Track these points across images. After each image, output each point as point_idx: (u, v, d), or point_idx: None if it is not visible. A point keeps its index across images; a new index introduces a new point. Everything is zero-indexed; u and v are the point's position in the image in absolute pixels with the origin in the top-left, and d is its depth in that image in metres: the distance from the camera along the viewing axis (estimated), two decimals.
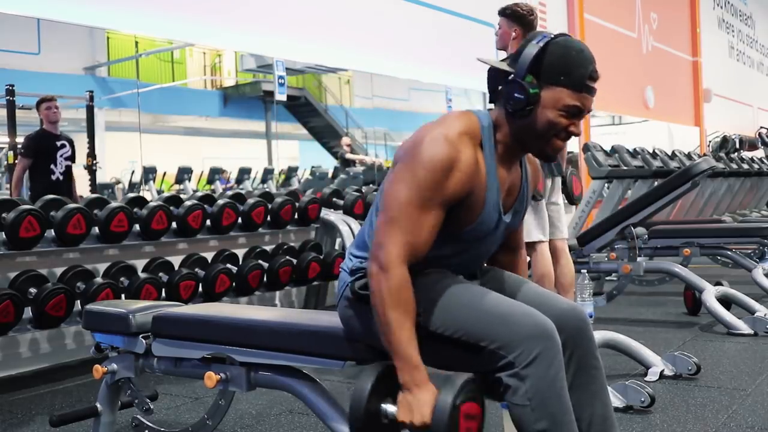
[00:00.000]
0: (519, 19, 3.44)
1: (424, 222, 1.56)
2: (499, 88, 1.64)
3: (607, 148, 6.53)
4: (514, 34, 3.45)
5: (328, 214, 4.81)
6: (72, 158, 5.40)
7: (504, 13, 3.50)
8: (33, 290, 3.35)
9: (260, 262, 4.23)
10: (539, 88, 1.59)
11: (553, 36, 1.62)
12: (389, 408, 1.52)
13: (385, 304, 1.51)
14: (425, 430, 1.47)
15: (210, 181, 10.93)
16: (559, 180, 3.75)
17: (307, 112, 14.59)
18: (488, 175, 1.62)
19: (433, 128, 1.60)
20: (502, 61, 1.71)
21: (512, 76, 1.61)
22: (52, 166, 5.25)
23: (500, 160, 1.66)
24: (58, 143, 5.31)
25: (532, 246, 3.63)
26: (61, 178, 5.30)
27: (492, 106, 1.72)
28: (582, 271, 3.55)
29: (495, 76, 1.67)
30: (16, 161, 5.40)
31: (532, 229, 3.60)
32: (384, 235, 1.55)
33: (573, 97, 1.59)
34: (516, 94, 1.59)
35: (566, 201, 3.88)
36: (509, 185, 1.70)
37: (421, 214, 1.55)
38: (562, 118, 1.60)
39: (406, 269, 1.54)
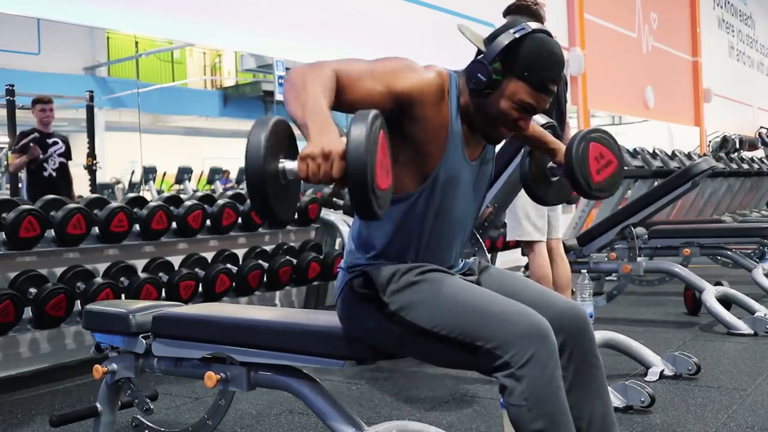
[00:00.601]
0: (524, 11, 3.43)
1: (364, 76, 1.55)
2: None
3: None
4: None
5: (328, 214, 4.81)
6: (66, 155, 5.40)
7: (509, 11, 3.49)
8: (33, 290, 3.35)
9: (260, 262, 4.23)
10: (502, 75, 1.61)
11: (531, 30, 1.63)
12: (287, 164, 1.35)
13: (304, 72, 1.45)
14: (335, 162, 1.30)
15: (210, 181, 10.92)
16: None
17: None
18: (452, 116, 1.65)
19: None
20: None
21: (481, 56, 1.63)
22: (43, 164, 5.27)
23: (463, 115, 1.67)
24: (50, 141, 5.32)
25: (529, 245, 3.64)
26: (54, 174, 5.31)
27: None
28: (582, 271, 3.54)
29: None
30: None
31: (530, 229, 3.61)
32: (322, 62, 1.53)
33: (530, 95, 1.62)
34: (479, 74, 1.62)
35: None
36: (473, 137, 1.71)
37: (364, 72, 1.56)
38: (513, 110, 1.63)
39: (335, 75, 1.50)
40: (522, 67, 1.60)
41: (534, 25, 1.64)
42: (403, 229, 1.67)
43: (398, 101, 1.57)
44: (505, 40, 1.61)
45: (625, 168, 6.58)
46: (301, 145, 1.36)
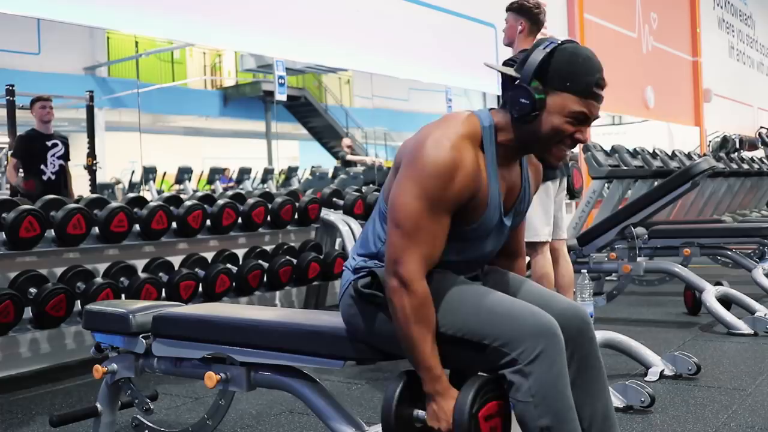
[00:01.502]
0: (525, 13, 3.42)
1: (436, 231, 1.57)
2: (506, 92, 1.64)
3: (607, 148, 6.53)
4: (520, 27, 3.43)
5: (328, 214, 4.81)
6: (65, 157, 5.38)
7: (511, 7, 3.49)
8: (33, 290, 3.35)
9: (260, 262, 4.23)
10: (545, 94, 1.58)
11: (560, 42, 1.61)
12: (420, 413, 1.60)
13: (408, 320, 1.54)
14: None
15: (210, 181, 10.92)
16: (565, 180, 3.75)
17: (307, 112, 14.58)
18: (489, 177, 1.62)
19: (434, 130, 1.59)
20: (507, 61, 1.70)
21: (518, 81, 1.60)
22: (42, 167, 5.25)
23: (501, 161, 1.66)
24: (49, 143, 5.30)
25: (533, 246, 3.63)
26: (53, 177, 5.29)
27: (494, 107, 1.72)
28: (582, 271, 3.54)
29: (504, 81, 1.66)
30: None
31: (539, 230, 3.60)
32: (401, 250, 1.55)
33: (579, 103, 1.58)
34: (522, 99, 1.58)
35: (567, 196, 3.88)
36: (509, 185, 1.70)
37: (433, 223, 1.56)
38: (568, 124, 1.59)
39: (426, 284, 1.56)
40: (562, 79, 1.58)
41: (561, 38, 1.63)
42: None
43: (457, 206, 1.59)
44: (537, 57, 1.58)
45: (625, 168, 6.59)
46: None
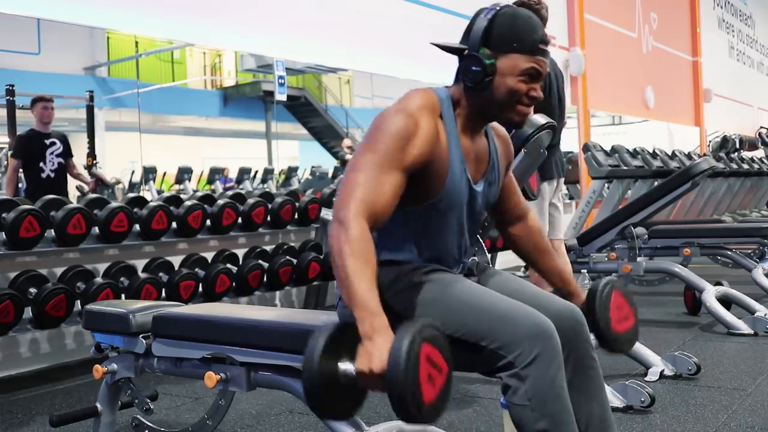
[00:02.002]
0: (527, 9, 3.42)
1: (383, 182, 1.54)
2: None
3: (607, 148, 6.53)
4: None
5: (328, 214, 4.80)
6: (64, 155, 5.39)
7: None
8: (33, 290, 3.35)
9: (260, 262, 4.23)
10: (494, 58, 1.63)
11: (499, 7, 1.66)
12: (347, 367, 1.38)
13: (343, 254, 1.45)
14: (384, 385, 1.34)
15: (210, 181, 10.93)
16: (562, 180, 3.75)
17: (307, 112, 14.59)
18: (450, 143, 1.65)
19: (393, 105, 1.64)
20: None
21: (466, 51, 1.65)
22: (41, 164, 5.27)
23: (462, 130, 1.69)
24: (47, 141, 5.31)
25: None
26: (52, 175, 5.30)
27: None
28: (582, 271, 3.55)
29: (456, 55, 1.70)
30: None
31: None
32: (343, 194, 1.53)
33: (528, 60, 1.63)
34: (473, 68, 1.63)
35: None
36: (475, 155, 1.72)
37: (381, 175, 1.55)
38: (521, 83, 1.64)
39: (366, 223, 1.50)
40: (509, 40, 1.63)
41: (501, 3, 1.68)
42: (405, 237, 1.68)
43: (410, 171, 1.58)
44: (481, 25, 1.64)
45: (626, 168, 6.58)
46: None
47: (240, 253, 4.31)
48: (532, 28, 1.64)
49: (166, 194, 5.15)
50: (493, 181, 1.79)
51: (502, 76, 1.63)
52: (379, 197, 1.53)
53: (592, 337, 1.76)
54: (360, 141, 1.65)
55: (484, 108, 1.68)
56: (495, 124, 1.82)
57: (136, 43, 11.86)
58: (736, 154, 8.20)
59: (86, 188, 5.84)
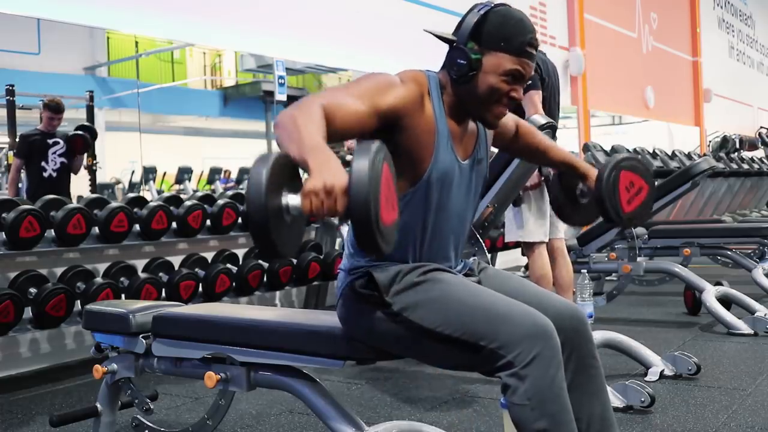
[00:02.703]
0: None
1: (348, 102, 1.54)
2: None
3: (607, 148, 6.53)
4: None
5: None
6: (66, 155, 5.39)
7: None
8: (33, 290, 3.34)
9: (260, 262, 4.22)
10: (481, 54, 1.65)
11: (493, 5, 1.68)
12: (291, 199, 1.31)
13: (293, 114, 1.42)
14: (340, 196, 1.26)
15: (210, 181, 10.93)
16: None
17: None
18: (436, 118, 1.67)
19: None
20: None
21: (455, 43, 1.67)
22: (43, 164, 5.27)
23: (448, 111, 1.70)
24: (51, 141, 5.32)
25: (530, 246, 3.64)
26: (54, 175, 5.31)
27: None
28: (582, 271, 3.55)
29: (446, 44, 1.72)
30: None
31: (533, 229, 3.60)
32: (304, 100, 1.51)
33: (513, 61, 1.64)
34: (459, 60, 1.66)
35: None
36: (462, 136, 1.73)
37: (348, 98, 1.55)
38: (503, 83, 1.65)
39: (322, 111, 1.47)
40: (497, 39, 1.64)
41: (495, 0, 1.70)
42: (401, 231, 1.67)
43: (384, 118, 1.59)
44: (472, 20, 1.66)
45: None
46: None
47: (240, 253, 4.31)
48: (522, 29, 1.65)
49: (166, 194, 5.15)
50: (481, 158, 1.80)
51: (485, 73, 1.65)
52: (340, 109, 1.51)
53: (594, 336, 1.76)
54: None
55: (464, 101, 1.70)
56: None
57: (136, 43, 11.86)
58: (736, 154, 8.20)
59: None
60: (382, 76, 1.63)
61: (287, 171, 1.33)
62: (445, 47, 1.72)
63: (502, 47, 1.64)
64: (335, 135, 1.50)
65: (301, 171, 1.38)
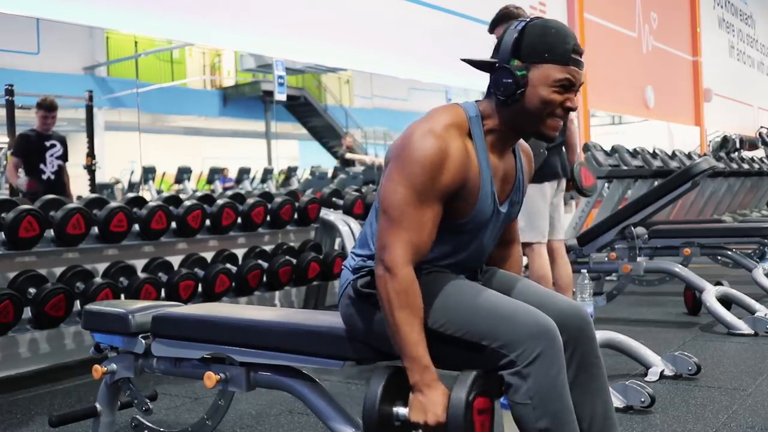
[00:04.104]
0: (510, 17, 3.41)
1: (424, 219, 1.56)
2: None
3: (607, 148, 6.53)
4: None
5: (327, 214, 4.80)
6: (63, 157, 5.39)
7: (494, 23, 3.49)
8: (32, 290, 3.34)
9: (260, 262, 4.22)
10: (526, 69, 1.61)
11: (529, 19, 1.65)
12: (401, 410, 1.54)
13: (392, 305, 1.52)
14: (440, 429, 1.48)
15: (209, 181, 10.93)
16: (564, 181, 3.75)
17: (306, 111, 14.57)
18: (480, 164, 1.63)
19: (420, 124, 1.61)
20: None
21: (497, 64, 1.63)
22: (41, 166, 5.27)
23: (491, 148, 1.67)
24: (47, 143, 5.31)
25: (530, 246, 3.63)
26: (52, 177, 5.31)
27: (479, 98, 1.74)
28: (582, 271, 3.54)
29: (486, 71, 1.68)
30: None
31: (530, 230, 3.60)
32: (387, 237, 1.56)
33: (561, 70, 1.61)
34: (505, 80, 1.61)
35: (573, 194, 3.89)
36: (503, 174, 1.71)
37: (421, 212, 1.56)
38: (555, 94, 1.61)
39: (412, 270, 1.55)
40: (540, 51, 1.60)
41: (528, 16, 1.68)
42: (426, 263, 1.66)
43: (447, 196, 1.59)
44: (511, 37, 1.62)
45: (626, 168, 6.59)
46: None
47: (239, 253, 4.31)
48: (564, 37, 1.62)
49: (165, 194, 5.15)
50: (517, 201, 1.78)
51: (534, 87, 1.61)
52: (422, 236, 1.57)
53: (597, 335, 1.76)
54: (391, 162, 1.62)
55: (516, 121, 1.65)
56: (521, 140, 1.79)
57: (136, 42, 11.85)
58: (736, 154, 8.20)
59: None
60: (428, 152, 1.56)
61: (400, 381, 1.55)
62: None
63: (546, 58, 1.60)
64: (425, 254, 1.60)
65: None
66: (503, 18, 3.43)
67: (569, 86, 1.62)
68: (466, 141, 1.62)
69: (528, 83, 1.61)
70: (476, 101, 1.71)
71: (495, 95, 1.64)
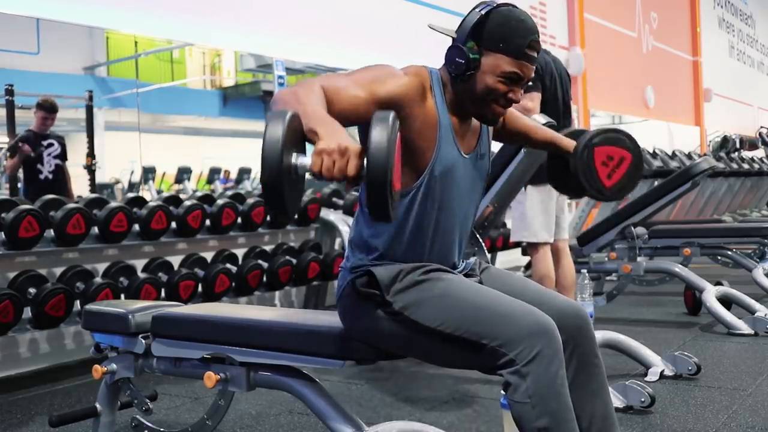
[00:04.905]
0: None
1: (347, 88, 1.54)
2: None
3: None
4: None
5: (327, 214, 4.80)
6: (62, 156, 5.38)
7: None
8: (32, 290, 3.34)
9: (260, 262, 4.22)
10: (480, 54, 1.64)
11: (496, 4, 1.67)
12: (302, 158, 1.32)
13: (295, 90, 1.43)
14: (353, 162, 1.28)
15: (209, 181, 10.92)
16: None
17: None
18: (438, 111, 1.66)
19: None
20: None
21: (454, 41, 1.67)
22: (39, 166, 5.25)
23: (450, 107, 1.70)
24: (45, 143, 5.30)
25: (534, 246, 3.63)
26: (50, 177, 5.29)
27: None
28: (582, 271, 3.54)
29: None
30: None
31: (538, 230, 3.60)
32: (306, 82, 1.50)
33: (511, 64, 1.64)
34: (457, 59, 1.65)
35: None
36: (464, 130, 1.73)
37: (347, 83, 1.55)
38: (500, 84, 1.65)
39: (323, 92, 1.47)
40: (495, 40, 1.63)
41: (498, 0, 1.69)
42: (403, 228, 1.67)
43: (383, 106, 1.56)
44: (473, 18, 1.66)
45: None
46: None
47: (239, 253, 4.31)
48: (523, 31, 1.64)
49: (165, 194, 5.15)
50: (483, 153, 1.80)
51: (483, 73, 1.65)
52: (339, 93, 1.51)
53: (596, 335, 1.76)
54: None
55: (462, 98, 1.69)
56: None
57: (136, 42, 11.83)
58: (736, 153, 8.20)
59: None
60: (384, 67, 1.63)
61: (298, 131, 1.34)
62: (446, 46, 1.72)
63: (500, 48, 1.63)
64: (334, 113, 1.47)
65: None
66: None
67: (517, 80, 1.65)
68: (426, 89, 1.66)
69: (479, 68, 1.64)
70: (438, 68, 1.74)
71: (447, 69, 1.69)
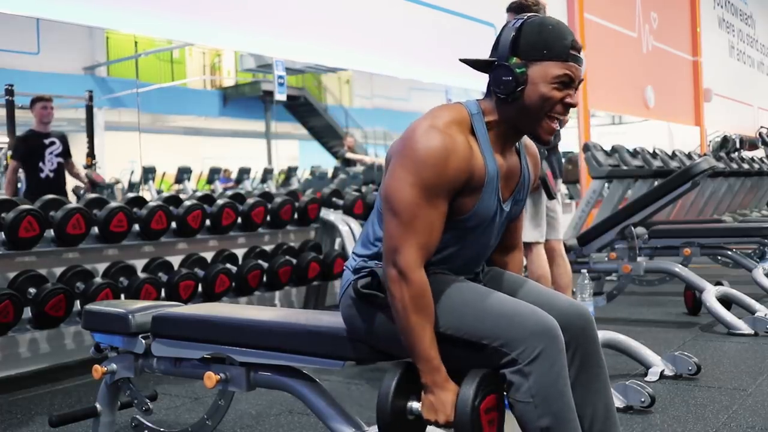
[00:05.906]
0: (526, 10, 3.42)
1: (433, 219, 1.56)
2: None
3: (607, 148, 6.53)
4: None
5: (327, 214, 4.80)
6: (64, 154, 5.38)
7: (510, 7, 3.50)
8: (32, 290, 3.34)
9: (260, 262, 4.22)
10: (525, 67, 1.60)
11: (526, 17, 1.64)
12: (414, 405, 1.58)
13: (407, 309, 1.53)
14: (451, 427, 1.53)
15: (209, 181, 10.91)
16: (560, 182, 3.76)
17: (306, 111, 14.56)
18: (485, 159, 1.62)
19: (422, 122, 1.61)
20: None
21: (496, 62, 1.62)
22: (40, 164, 5.25)
23: (494, 146, 1.66)
24: (46, 141, 5.30)
25: (528, 247, 3.63)
26: (51, 175, 5.29)
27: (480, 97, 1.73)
28: (582, 271, 3.54)
29: (485, 71, 1.67)
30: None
31: (529, 230, 3.60)
32: (398, 240, 1.55)
33: (560, 67, 1.60)
34: (504, 77, 1.60)
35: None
36: (507, 171, 1.69)
37: (430, 211, 1.56)
38: (555, 90, 1.60)
39: (424, 273, 1.56)
40: (539, 48, 1.59)
41: (526, 14, 1.66)
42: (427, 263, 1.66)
43: (454, 191, 1.59)
44: (509, 35, 1.62)
45: (626, 168, 6.60)
46: None
47: (239, 253, 4.31)
48: (561, 34, 1.61)
49: (165, 194, 5.15)
50: (520, 200, 1.77)
51: (534, 84, 1.60)
52: (432, 237, 1.57)
53: (599, 335, 1.76)
54: (394, 160, 1.61)
55: (516, 120, 1.64)
56: (527, 140, 1.78)
57: (136, 42, 11.82)
58: (736, 153, 8.19)
59: (83, 189, 5.83)
60: (432, 147, 1.55)
61: (412, 378, 1.59)
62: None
63: (545, 55, 1.59)
64: (433, 251, 1.61)
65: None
66: (517, 9, 3.43)
67: (569, 82, 1.61)
68: (468, 137, 1.62)
69: (527, 80, 1.60)
70: (477, 100, 1.70)
71: (495, 93, 1.64)
